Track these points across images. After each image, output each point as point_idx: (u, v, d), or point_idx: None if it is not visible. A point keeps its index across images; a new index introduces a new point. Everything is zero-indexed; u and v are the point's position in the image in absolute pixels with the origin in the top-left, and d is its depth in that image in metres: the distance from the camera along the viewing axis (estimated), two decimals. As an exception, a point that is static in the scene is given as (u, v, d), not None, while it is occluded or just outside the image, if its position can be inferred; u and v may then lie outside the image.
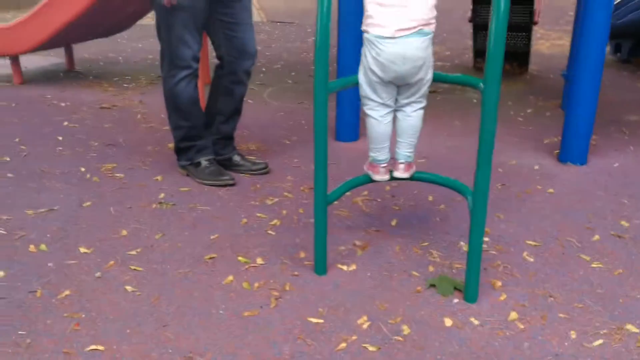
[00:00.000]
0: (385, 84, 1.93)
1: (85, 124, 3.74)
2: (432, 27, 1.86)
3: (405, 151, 2.08)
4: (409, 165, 2.10)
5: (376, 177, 2.10)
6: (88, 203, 2.59)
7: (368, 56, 1.90)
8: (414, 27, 1.82)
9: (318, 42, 1.79)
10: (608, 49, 5.74)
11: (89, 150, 3.25)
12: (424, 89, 1.98)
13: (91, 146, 3.32)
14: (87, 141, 3.39)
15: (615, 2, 5.42)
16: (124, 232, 2.33)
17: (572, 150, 3.08)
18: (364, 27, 1.89)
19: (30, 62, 5.51)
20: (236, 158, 2.96)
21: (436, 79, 2.02)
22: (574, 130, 3.04)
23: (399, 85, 1.95)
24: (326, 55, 1.80)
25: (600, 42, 2.90)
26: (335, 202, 2.37)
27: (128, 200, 2.62)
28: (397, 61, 1.85)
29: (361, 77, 1.97)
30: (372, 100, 1.98)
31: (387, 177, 2.10)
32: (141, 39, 6.58)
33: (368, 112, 2.02)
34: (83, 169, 2.97)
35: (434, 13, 1.86)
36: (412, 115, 2.03)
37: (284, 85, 4.84)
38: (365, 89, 1.97)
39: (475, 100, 4.29)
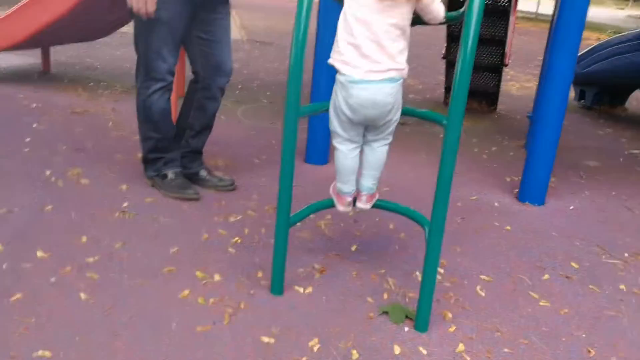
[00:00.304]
0: (354, 123, 1.98)
1: (55, 127, 3.72)
2: (402, 73, 1.91)
3: (368, 183, 2.14)
4: (371, 196, 2.16)
5: (340, 208, 2.16)
6: (49, 207, 2.57)
7: (339, 96, 1.93)
8: (385, 71, 1.87)
9: (292, 66, 1.84)
10: (573, 95, 5.95)
11: (56, 154, 3.23)
12: (392, 128, 2.05)
13: (59, 150, 3.30)
14: (55, 144, 3.38)
15: (581, 52, 5.64)
16: (84, 239, 2.32)
17: (531, 191, 3.18)
18: (333, 62, 1.92)
19: (5, 60, 5.46)
20: (203, 173, 2.98)
21: (404, 112, 2.09)
22: (534, 171, 3.15)
23: (367, 125, 2.01)
24: (299, 79, 1.85)
25: (564, 87, 3.03)
26: (298, 224, 2.41)
27: (91, 206, 2.62)
28: (367, 105, 1.91)
29: (331, 113, 2.01)
30: (340, 135, 2.04)
31: (350, 208, 2.16)
32: (120, 47, 6.57)
33: (336, 145, 2.07)
34: (48, 172, 2.95)
35: (405, 58, 1.91)
36: (378, 150, 2.09)
37: (259, 104, 4.89)
38: (334, 124, 2.02)
39: (442, 135, 4.38)
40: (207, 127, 2.95)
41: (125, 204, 2.68)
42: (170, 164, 2.86)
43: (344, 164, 2.07)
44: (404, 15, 1.86)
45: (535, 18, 17.92)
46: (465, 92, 1.75)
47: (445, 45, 5.36)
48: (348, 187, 2.12)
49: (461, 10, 1.88)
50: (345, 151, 2.06)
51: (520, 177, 3.27)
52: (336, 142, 2.07)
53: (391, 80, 1.89)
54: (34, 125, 3.69)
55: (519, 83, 7.02)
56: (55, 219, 2.47)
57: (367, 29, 1.83)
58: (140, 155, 2.97)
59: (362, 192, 2.14)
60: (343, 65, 1.89)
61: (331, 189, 2.20)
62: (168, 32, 2.58)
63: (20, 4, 4.31)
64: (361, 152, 2.11)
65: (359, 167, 2.11)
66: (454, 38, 5.24)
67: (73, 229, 2.39)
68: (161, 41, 2.58)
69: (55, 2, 4.11)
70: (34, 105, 4.16)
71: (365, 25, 1.83)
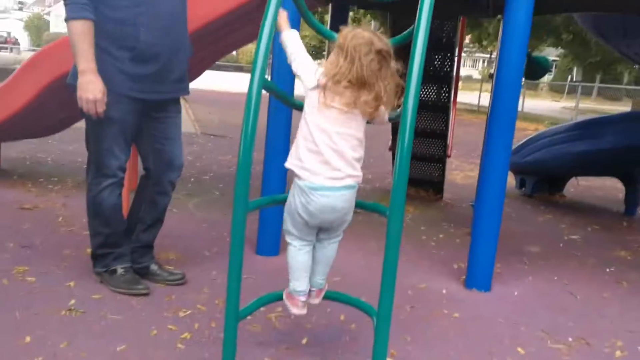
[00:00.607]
0: (310, 226, 2.06)
1: (2, 224, 3.67)
2: (359, 180, 2.02)
3: (318, 279, 2.19)
4: (320, 290, 2.22)
5: (294, 311, 2.17)
6: (-7, 307, 2.51)
7: (297, 201, 2.01)
8: (344, 178, 1.97)
9: (240, 162, 1.92)
10: (514, 183, 6.24)
11: (3, 252, 3.17)
12: (344, 227, 2.13)
13: (5, 247, 3.25)
14: (2, 242, 3.32)
15: (520, 142, 5.99)
16: (27, 339, 2.26)
17: (477, 277, 3.28)
18: (292, 168, 2.00)
19: (-48, 156, 5.39)
20: (153, 267, 2.97)
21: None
22: (479, 258, 3.26)
23: (322, 227, 2.08)
24: (247, 175, 1.92)
25: (501, 176, 3.21)
26: (249, 317, 2.41)
27: (36, 305, 2.56)
28: (326, 211, 1.99)
29: (286, 214, 2.07)
30: (294, 235, 2.10)
31: (304, 311, 2.18)
32: (73, 142, 6.59)
33: (290, 241, 2.13)
34: (-8, 271, 2.89)
35: (360, 165, 2.03)
36: (329, 247, 2.17)
37: (211, 196, 4.95)
38: (288, 225, 2.08)
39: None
40: (158, 221, 2.98)
41: (72, 302, 2.63)
42: (120, 259, 2.85)
43: (298, 260, 2.11)
44: (360, 126, 2.00)
45: (477, 110, 18.89)
46: (404, 185, 1.85)
47: (391, 137, 5.61)
48: (302, 285, 2.14)
49: (398, 110, 2.03)
50: (298, 246, 2.11)
51: (466, 264, 3.38)
52: (289, 239, 2.12)
53: (349, 187, 1.99)
54: (-20, 222, 3.63)
55: (463, 172, 7.33)
56: (-3, 319, 2.40)
57: (329, 137, 1.94)
58: (89, 250, 2.95)
59: (312, 288, 2.19)
60: (303, 172, 1.97)
61: (284, 294, 2.21)
62: (119, 130, 2.65)
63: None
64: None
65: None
66: (397, 132, 5.50)
67: (16, 329, 2.33)
68: (112, 139, 2.65)
69: (10, 100, 4.16)
70: (-19, 201, 4.10)
71: (326, 133, 1.94)
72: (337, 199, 1.97)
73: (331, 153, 1.94)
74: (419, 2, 1.97)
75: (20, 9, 71.63)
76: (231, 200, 1.92)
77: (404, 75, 1.93)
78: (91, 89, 2.52)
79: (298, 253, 2.11)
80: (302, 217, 2.01)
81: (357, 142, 1.99)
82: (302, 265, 2.12)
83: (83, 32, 2.50)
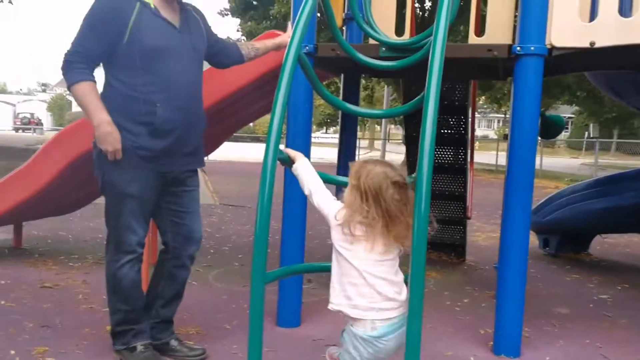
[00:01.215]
0: None
1: (22, 303, 3.67)
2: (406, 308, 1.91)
3: None
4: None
5: None
6: (11, 390, 2.47)
7: (362, 351, 1.91)
8: (400, 315, 1.91)
9: (257, 234, 1.92)
10: (537, 243, 6.13)
11: (23, 332, 3.16)
12: None
13: (25, 327, 3.23)
14: (21, 322, 3.31)
15: (540, 201, 5.93)
16: (46, 423, 2.21)
17: (505, 343, 3.17)
18: (348, 314, 1.93)
19: (-24, 237, 5.48)
20: (173, 343, 2.93)
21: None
22: (506, 322, 3.17)
23: None
24: (264, 247, 1.92)
25: (522, 237, 3.16)
26: (270, 393, 2.34)
27: (55, 387, 2.52)
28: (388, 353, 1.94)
29: None
30: None
31: None
32: (93, 218, 6.67)
33: None
34: (13, 352, 2.87)
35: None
36: None
37: (231, 267, 4.92)
38: None
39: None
40: (178, 296, 2.96)
41: (91, 382, 2.59)
42: (140, 336, 2.82)
43: None
44: (395, 263, 1.97)
45: (495, 170, 18.85)
46: (423, 250, 1.82)
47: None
48: None
49: (414, 175, 2.02)
50: None
51: (493, 329, 3.28)
52: None
53: (403, 318, 1.91)
54: (2, 303, 3.64)
55: (485, 233, 7.23)
56: (16, 402, 2.36)
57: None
58: (109, 327, 2.92)
59: None
60: (359, 324, 1.91)
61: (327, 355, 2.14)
62: (138, 206, 2.68)
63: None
64: None
65: None
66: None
67: (34, 413, 2.29)
68: (131, 215, 2.67)
69: (31, 179, 4.25)
70: (2, 282, 4.12)
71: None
72: (398, 339, 1.91)
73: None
74: (428, 68, 2.00)
75: (44, 90, 74.55)
76: (250, 271, 1.91)
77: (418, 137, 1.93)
78: (110, 140, 2.58)
79: None
80: None
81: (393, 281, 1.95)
82: None
83: (88, 92, 2.60)
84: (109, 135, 2.57)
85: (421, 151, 1.87)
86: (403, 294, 1.93)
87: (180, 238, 2.86)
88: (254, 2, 20.74)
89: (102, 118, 2.58)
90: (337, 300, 1.93)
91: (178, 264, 2.88)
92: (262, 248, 1.92)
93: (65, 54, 2.62)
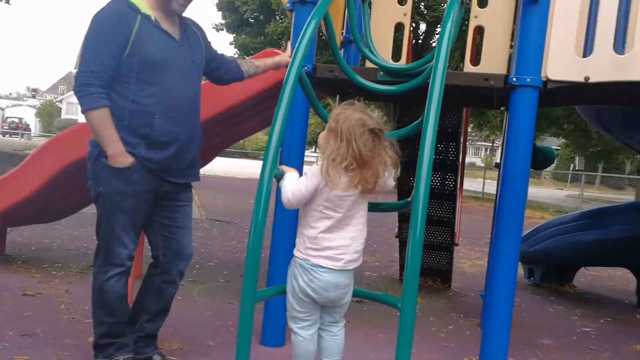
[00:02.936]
0: (315, 304, 2.04)
1: (3, 310, 3.61)
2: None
3: None
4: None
5: None
6: (-11, 399, 2.42)
7: (300, 281, 2.02)
8: (357, 260, 2.02)
9: (250, 251, 1.91)
10: (522, 272, 6.15)
11: (2, 340, 3.10)
12: (346, 308, 2.11)
13: (5, 335, 3.17)
14: (1, 329, 3.25)
15: (527, 232, 5.96)
16: None
17: (489, 372, 3.16)
18: (304, 256, 2.04)
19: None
20: (156, 358, 2.89)
21: (361, 295, 2.16)
22: (490, 351, 3.16)
23: (324, 306, 2.07)
24: (257, 264, 1.92)
25: (511, 268, 3.17)
26: (254, 413, 2.31)
27: (34, 398, 2.47)
28: (329, 289, 2.00)
29: (289, 297, 2.07)
30: (300, 318, 2.07)
31: None
32: (79, 227, 6.59)
33: (296, 330, 2.09)
34: (-10, 360, 2.81)
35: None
36: (338, 334, 2.13)
37: (216, 283, 4.87)
38: (294, 306, 2.07)
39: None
40: (164, 311, 2.92)
41: (71, 394, 2.54)
42: (122, 350, 2.77)
43: (304, 349, 2.07)
44: (365, 205, 2.06)
45: (482, 197, 18.96)
46: (416, 275, 1.83)
47: (398, 225, 5.60)
48: None
49: (408, 199, 2.03)
50: (305, 336, 2.07)
51: (478, 357, 3.27)
52: (296, 327, 2.09)
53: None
54: (-19, 309, 3.57)
55: (470, 260, 7.25)
56: (-7, 412, 2.31)
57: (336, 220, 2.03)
58: (92, 339, 2.87)
59: None
60: (319, 260, 2.02)
61: None
62: (131, 220, 2.66)
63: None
64: (320, 341, 2.13)
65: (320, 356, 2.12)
66: (404, 219, 5.50)
67: None
68: (123, 228, 2.65)
69: (20, 186, 4.20)
70: (-17, 287, 4.05)
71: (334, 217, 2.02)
72: (340, 275, 2.00)
73: (347, 239, 1.99)
74: (429, 94, 2.02)
75: (34, 96, 74.06)
76: (236, 288, 1.91)
77: (412, 161, 2.00)
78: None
79: (305, 340, 2.07)
80: (309, 296, 2.02)
81: (362, 225, 2.06)
82: (309, 353, 2.08)
83: (104, 120, 2.55)
84: (122, 165, 2.58)
85: (418, 176, 1.88)
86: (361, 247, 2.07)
87: (170, 253, 2.83)
88: (250, 20, 20.88)
89: (117, 150, 2.57)
90: (309, 252, 2.04)
91: (167, 279, 2.85)
92: (254, 266, 1.92)
93: (81, 75, 2.53)
